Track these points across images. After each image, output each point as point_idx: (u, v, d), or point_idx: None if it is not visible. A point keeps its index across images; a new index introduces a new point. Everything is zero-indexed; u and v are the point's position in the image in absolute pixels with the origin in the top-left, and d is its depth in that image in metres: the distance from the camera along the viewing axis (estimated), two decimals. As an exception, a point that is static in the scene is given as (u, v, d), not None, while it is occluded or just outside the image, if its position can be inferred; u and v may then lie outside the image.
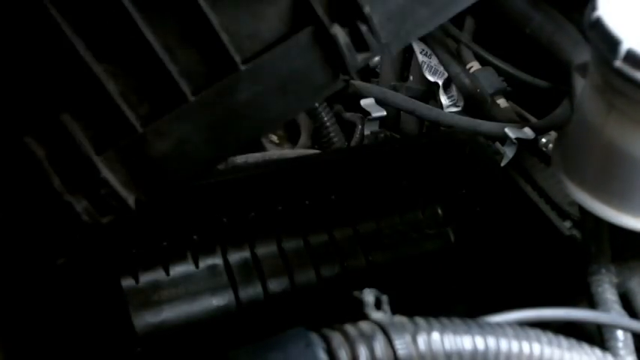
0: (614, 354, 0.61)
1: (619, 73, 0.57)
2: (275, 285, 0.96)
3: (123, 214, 0.62)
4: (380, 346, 0.50)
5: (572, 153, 0.67)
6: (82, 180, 0.60)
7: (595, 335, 0.64)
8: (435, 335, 0.51)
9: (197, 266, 0.94)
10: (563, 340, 0.55)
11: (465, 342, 0.51)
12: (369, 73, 1.32)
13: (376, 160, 1.00)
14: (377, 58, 0.63)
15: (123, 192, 0.61)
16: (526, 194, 0.96)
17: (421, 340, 0.50)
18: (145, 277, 0.91)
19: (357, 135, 1.18)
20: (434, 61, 1.19)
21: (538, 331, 0.55)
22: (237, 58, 0.60)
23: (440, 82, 1.18)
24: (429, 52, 1.19)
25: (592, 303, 0.66)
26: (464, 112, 1.16)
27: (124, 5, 0.57)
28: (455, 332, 0.51)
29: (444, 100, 1.19)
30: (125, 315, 0.85)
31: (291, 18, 0.61)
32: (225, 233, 0.93)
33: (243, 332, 0.92)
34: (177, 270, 0.93)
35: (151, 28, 0.59)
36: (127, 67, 0.60)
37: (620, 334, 0.62)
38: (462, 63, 1.15)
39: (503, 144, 1.06)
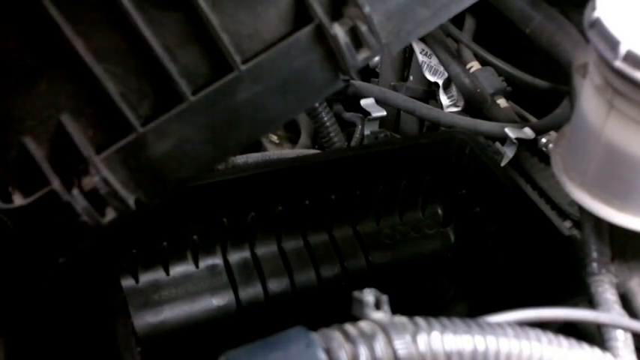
0: (614, 354, 0.61)
1: (619, 73, 0.57)
2: (275, 285, 0.96)
3: (123, 214, 0.62)
4: (380, 346, 0.50)
5: (572, 153, 0.67)
6: (82, 180, 0.60)
7: (595, 335, 0.64)
8: (435, 335, 0.51)
9: (197, 266, 0.94)
10: (563, 340, 0.55)
11: (465, 342, 0.51)
12: (369, 73, 1.32)
13: (376, 160, 1.00)
14: (377, 58, 0.63)
15: (123, 192, 0.61)
16: (526, 194, 0.95)
17: (421, 340, 0.50)
18: (145, 277, 0.91)
19: (357, 135, 1.18)
20: (434, 61, 1.19)
21: (538, 331, 0.55)
22: (237, 58, 0.60)
23: (440, 82, 1.18)
24: (429, 52, 1.19)
25: (592, 303, 0.66)
26: (464, 112, 1.16)
27: (124, 5, 0.57)
28: (455, 332, 0.51)
29: (444, 100, 1.19)
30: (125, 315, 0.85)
31: (291, 18, 0.61)
32: (225, 233, 0.93)
33: (243, 332, 0.92)
34: (177, 270, 0.93)
35: (151, 28, 0.59)
36: (127, 68, 0.60)
37: (620, 334, 0.61)
38: (462, 63, 1.15)
39: (503, 144, 1.06)
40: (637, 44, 0.56)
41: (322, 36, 0.61)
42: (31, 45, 0.59)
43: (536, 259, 0.90)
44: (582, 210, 0.67)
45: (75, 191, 0.60)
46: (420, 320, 0.52)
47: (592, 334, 0.65)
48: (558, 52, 0.91)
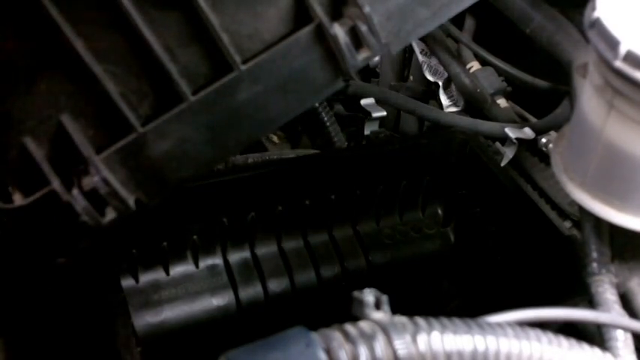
0: (614, 354, 0.61)
1: (619, 73, 0.57)
2: (275, 285, 0.96)
3: (123, 214, 0.62)
4: (380, 346, 0.50)
5: (572, 153, 0.67)
6: (82, 180, 0.60)
7: (595, 335, 0.64)
8: (435, 335, 0.51)
9: (197, 266, 0.94)
10: (563, 340, 0.55)
11: (465, 342, 0.51)
12: (369, 73, 1.32)
13: (376, 160, 1.00)
14: (377, 58, 0.63)
15: (123, 192, 0.61)
16: (526, 194, 0.95)
17: (421, 340, 0.50)
18: (145, 277, 0.91)
19: (357, 135, 1.18)
20: (434, 61, 1.19)
21: (538, 331, 0.55)
22: (237, 58, 0.60)
23: (440, 82, 1.18)
24: (429, 52, 1.19)
25: (592, 303, 0.66)
26: (464, 112, 1.16)
27: (124, 5, 0.57)
28: (455, 332, 0.51)
29: (444, 100, 1.19)
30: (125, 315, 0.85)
31: (291, 18, 0.61)
32: (225, 233, 0.93)
33: (243, 332, 0.92)
34: (177, 270, 0.93)
35: (151, 28, 0.59)
36: (127, 68, 0.60)
37: (620, 334, 0.61)
38: (462, 63, 1.15)
39: (503, 144, 1.06)
40: (637, 44, 0.56)
41: (322, 36, 0.61)
42: (31, 45, 0.59)
43: (536, 259, 0.90)
44: (582, 210, 0.67)
45: (75, 191, 0.60)
46: (420, 320, 0.52)
47: (592, 334, 0.65)
48: (558, 52, 0.91)
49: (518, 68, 1.11)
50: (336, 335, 0.50)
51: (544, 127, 1.03)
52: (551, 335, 0.55)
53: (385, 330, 0.51)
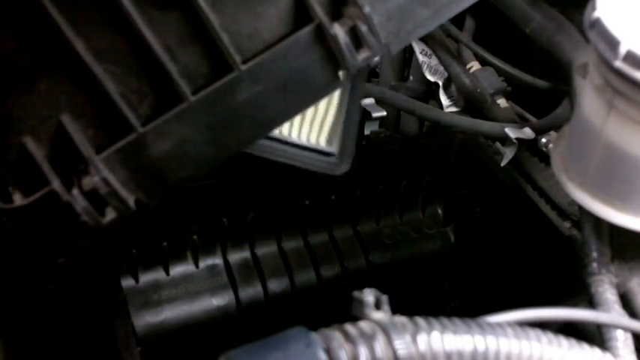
0: (614, 354, 0.61)
1: (619, 73, 0.57)
2: (275, 285, 0.96)
3: (123, 214, 0.62)
4: (380, 346, 0.50)
5: (572, 153, 0.67)
6: (82, 180, 0.60)
7: (595, 335, 0.64)
8: (435, 335, 0.51)
9: (197, 266, 0.94)
10: (563, 340, 0.55)
11: (465, 342, 0.51)
12: (369, 73, 1.32)
13: (376, 160, 1.00)
14: (377, 58, 0.63)
15: (123, 192, 0.61)
16: (526, 194, 0.95)
17: (421, 340, 0.50)
18: (145, 277, 0.91)
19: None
20: (434, 61, 1.19)
21: (538, 331, 0.55)
22: (237, 58, 0.60)
23: (440, 82, 1.18)
24: (429, 52, 1.19)
25: (592, 303, 0.66)
26: (464, 112, 1.15)
27: (124, 5, 0.57)
28: (455, 332, 0.51)
29: (444, 100, 1.19)
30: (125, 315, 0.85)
31: (291, 18, 0.61)
32: (225, 233, 0.93)
33: (243, 332, 0.92)
34: (177, 270, 0.93)
35: (151, 28, 0.59)
36: (127, 67, 0.60)
37: (620, 334, 0.61)
38: (462, 63, 1.14)
39: (503, 144, 1.06)
40: (637, 44, 0.56)
41: (322, 36, 0.60)
42: (31, 45, 0.59)
43: (536, 259, 0.90)
44: (582, 210, 0.67)
45: (75, 191, 0.60)
46: (420, 320, 0.52)
47: (592, 334, 0.65)
48: (558, 52, 0.91)
49: (518, 68, 1.11)
50: (336, 335, 0.50)
51: (544, 127, 1.03)
52: (551, 335, 0.55)
53: (385, 330, 0.51)
